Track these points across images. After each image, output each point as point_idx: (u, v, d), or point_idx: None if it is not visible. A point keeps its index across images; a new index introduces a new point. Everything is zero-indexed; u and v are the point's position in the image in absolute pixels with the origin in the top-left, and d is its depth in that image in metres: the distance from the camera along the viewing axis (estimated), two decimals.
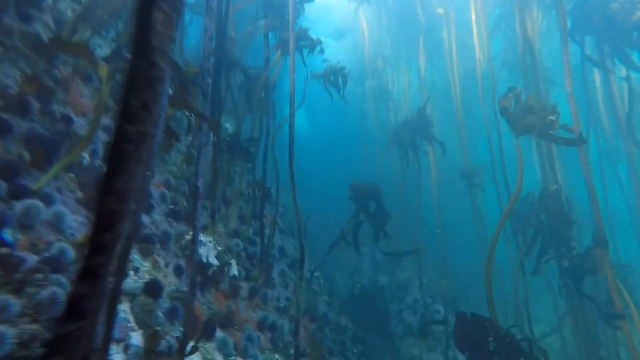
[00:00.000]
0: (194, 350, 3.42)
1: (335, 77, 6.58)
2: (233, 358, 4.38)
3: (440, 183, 13.48)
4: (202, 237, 5.03)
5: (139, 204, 2.72)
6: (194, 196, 2.67)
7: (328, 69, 6.61)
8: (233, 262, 5.47)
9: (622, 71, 6.99)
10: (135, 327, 3.42)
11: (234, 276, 5.38)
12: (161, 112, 2.45)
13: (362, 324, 10.19)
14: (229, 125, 8.92)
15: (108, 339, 2.43)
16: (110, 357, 2.87)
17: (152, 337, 3.33)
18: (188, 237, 5.00)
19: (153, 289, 3.79)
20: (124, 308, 3.45)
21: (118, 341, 3.11)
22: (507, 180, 7.91)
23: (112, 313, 2.40)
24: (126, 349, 3.17)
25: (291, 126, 4.56)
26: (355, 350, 7.97)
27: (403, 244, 11.54)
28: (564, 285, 5.71)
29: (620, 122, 7.16)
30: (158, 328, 3.49)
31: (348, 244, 7.52)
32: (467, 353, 3.39)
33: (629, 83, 6.44)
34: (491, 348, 3.20)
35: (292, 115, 4.63)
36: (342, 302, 9.88)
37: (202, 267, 4.84)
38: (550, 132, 4.32)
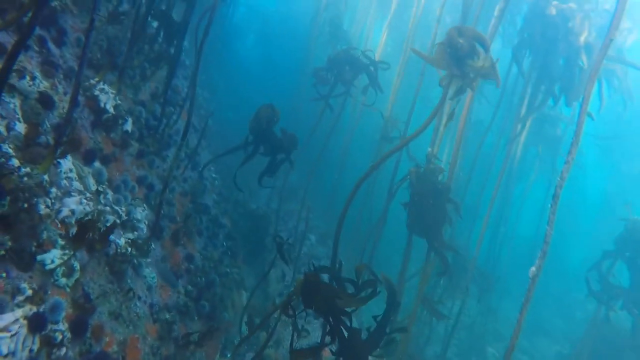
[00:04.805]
0: (64, 153, 4.14)
1: None
2: (103, 188, 5.13)
3: (358, 133, 14.63)
4: (104, 86, 5.58)
5: None
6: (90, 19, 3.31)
7: None
8: (129, 119, 6.08)
9: None
10: (21, 119, 4.04)
11: (127, 131, 6.02)
12: None
13: (243, 234, 11.34)
14: None
15: None
16: None
17: (34, 129, 3.99)
18: (92, 82, 5.53)
19: (46, 100, 4.38)
20: (15, 102, 4.04)
21: (3, 117, 3.74)
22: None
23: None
24: (9, 129, 3.81)
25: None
26: (225, 244, 9.04)
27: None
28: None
29: None
30: (41, 128, 4.14)
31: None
32: None
33: None
34: None
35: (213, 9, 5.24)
36: (231, 207, 10.87)
37: (98, 110, 5.43)
38: None
